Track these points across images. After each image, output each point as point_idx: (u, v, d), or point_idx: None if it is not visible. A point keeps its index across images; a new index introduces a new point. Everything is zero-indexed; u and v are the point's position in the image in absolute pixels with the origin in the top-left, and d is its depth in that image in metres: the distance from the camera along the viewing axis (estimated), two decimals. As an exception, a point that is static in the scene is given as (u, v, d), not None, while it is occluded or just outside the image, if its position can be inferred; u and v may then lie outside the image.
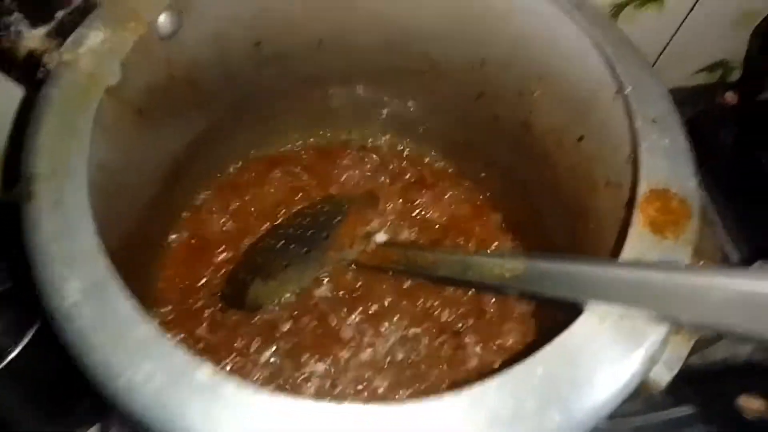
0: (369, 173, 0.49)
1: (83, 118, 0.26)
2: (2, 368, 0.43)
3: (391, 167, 0.50)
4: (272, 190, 0.47)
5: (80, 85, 0.27)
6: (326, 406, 0.21)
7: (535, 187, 0.44)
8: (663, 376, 0.25)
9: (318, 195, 0.48)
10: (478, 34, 0.40)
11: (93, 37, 0.29)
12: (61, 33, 0.33)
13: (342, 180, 0.49)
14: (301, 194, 0.47)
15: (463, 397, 0.22)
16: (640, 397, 0.25)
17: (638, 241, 0.26)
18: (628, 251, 0.26)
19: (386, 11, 0.40)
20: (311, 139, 0.50)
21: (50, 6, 0.34)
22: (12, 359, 0.43)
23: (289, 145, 0.49)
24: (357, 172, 0.49)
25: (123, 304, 0.22)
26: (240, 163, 0.48)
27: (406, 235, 0.47)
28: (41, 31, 0.33)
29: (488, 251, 0.47)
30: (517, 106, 0.42)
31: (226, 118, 0.44)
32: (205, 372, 0.21)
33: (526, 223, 0.47)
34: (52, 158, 0.24)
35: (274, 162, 0.48)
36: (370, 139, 0.51)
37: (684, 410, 0.42)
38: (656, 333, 0.24)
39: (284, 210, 0.47)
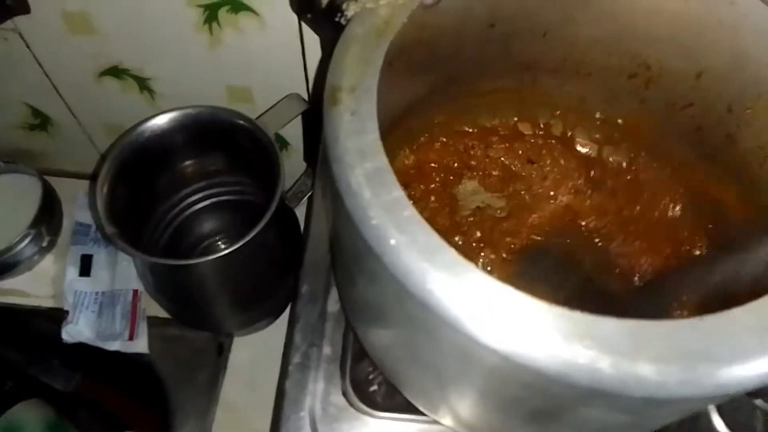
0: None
1: (377, 52, 0.33)
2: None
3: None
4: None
5: (378, 27, 0.34)
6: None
7: (730, 199, 0.46)
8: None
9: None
10: (700, 44, 0.42)
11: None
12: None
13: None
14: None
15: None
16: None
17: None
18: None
19: (612, 8, 0.44)
20: (511, 120, 0.55)
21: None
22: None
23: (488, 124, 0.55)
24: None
25: (395, 189, 0.28)
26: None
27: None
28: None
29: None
30: (724, 119, 0.44)
31: (442, 87, 0.50)
32: (448, 255, 0.27)
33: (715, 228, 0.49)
34: (352, 77, 0.32)
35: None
36: (568, 133, 0.55)
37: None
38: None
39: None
